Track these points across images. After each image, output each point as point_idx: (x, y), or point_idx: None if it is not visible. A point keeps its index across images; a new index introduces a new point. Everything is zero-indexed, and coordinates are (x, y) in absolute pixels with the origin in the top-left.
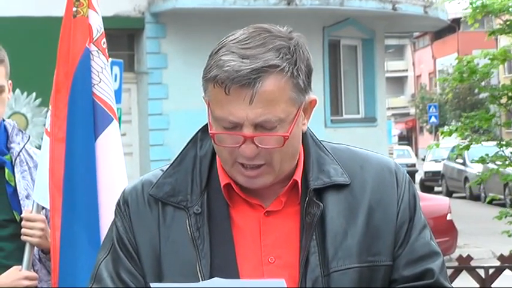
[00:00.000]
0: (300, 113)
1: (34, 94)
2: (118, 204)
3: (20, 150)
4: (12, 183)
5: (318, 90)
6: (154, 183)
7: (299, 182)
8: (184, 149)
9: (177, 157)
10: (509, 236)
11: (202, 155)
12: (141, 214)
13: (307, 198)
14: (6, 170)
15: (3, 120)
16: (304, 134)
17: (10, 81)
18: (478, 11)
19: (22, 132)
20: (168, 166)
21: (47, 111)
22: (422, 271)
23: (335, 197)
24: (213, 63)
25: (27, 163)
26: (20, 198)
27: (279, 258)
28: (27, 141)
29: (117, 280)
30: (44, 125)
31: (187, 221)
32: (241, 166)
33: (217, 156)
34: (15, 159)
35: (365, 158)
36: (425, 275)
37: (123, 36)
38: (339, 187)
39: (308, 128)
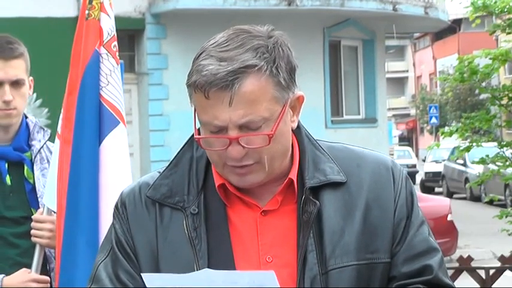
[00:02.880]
0: (286, 110)
1: (35, 95)
2: (116, 206)
3: (41, 147)
4: (31, 181)
5: (319, 91)
6: (151, 185)
7: (295, 180)
8: (180, 150)
9: (174, 159)
10: (509, 234)
11: (199, 156)
12: (139, 216)
13: (304, 197)
14: (26, 167)
15: (26, 117)
16: (299, 134)
17: (31, 78)
18: (479, 10)
19: (43, 129)
20: (164, 168)
21: (48, 111)
22: (420, 267)
23: (331, 195)
24: (194, 69)
25: (48, 161)
26: (38, 195)
27: (277, 258)
28: (48, 138)
29: (116, 281)
30: (45, 125)
31: (184, 222)
32: (231, 166)
33: None
34: (35, 157)
35: (361, 156)
36: (424, 271)
37: (124, 37)
38: (335, 185)
39: (304, 127)
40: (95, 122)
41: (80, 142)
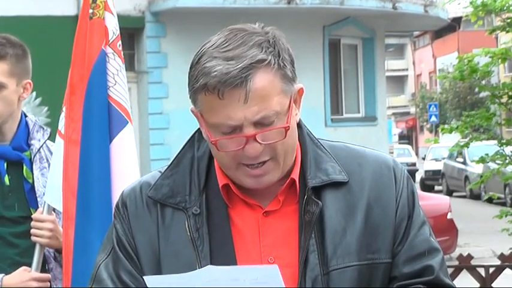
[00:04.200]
0: (292, 103)
1: (34, 93)
2: (117, 206)
3: (40, 147)
4: (30, 180)
5: (318, 89)
6: (152, 185)
7: (297, 180)
8: (181, 150)
9: (175, 158)
10: (509, 234)
11: (200, 156)
12: (140, 216)
13: (306, 197)
14: (24, 167)
15: (26, 116)
16: (301, 132)
17: (29, 81)
18: (479, 9)
19: (43, 128)
20: (166, 167)
21: (47, 110)
22: (422, 268)
23: (333, 195)
24: (198, 73)
25: (47, 160)
26: (37, 195)
27: (279, 258)
28: (48, 137)
29: (117, 281)
30: (45, 124)
31: (186, 222)
32: (246, 167)
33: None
34: (35, 156)
35: (363, 155)
36: (425, 272)
37: (124, 35)
38: (337, 185)
39: (305, 126)
40: (104, 122)
41: (90, 142)
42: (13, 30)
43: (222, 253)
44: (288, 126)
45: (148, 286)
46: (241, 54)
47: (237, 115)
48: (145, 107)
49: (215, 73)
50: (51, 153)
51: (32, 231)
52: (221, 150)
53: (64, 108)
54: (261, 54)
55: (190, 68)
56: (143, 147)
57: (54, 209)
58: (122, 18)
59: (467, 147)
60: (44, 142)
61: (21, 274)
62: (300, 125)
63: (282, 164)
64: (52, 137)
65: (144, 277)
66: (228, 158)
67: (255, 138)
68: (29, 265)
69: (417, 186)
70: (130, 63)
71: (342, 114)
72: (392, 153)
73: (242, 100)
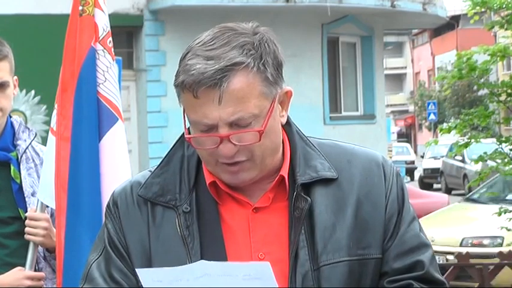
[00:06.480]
0: (275, 106)
1: (33, 92)
2: (108, 206)
3: (27, 147)
4: (18, 180)
5: (317, 88)
6: (142, 184)
7: (286, 177)
8: (171, 149)
9: (165, 157)
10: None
11: (190, 155)
12: (131, 215)
13: (295, 193)
14: (12, 167)
15: (10, 117)
16: (290, 130)
17: (16, 77)
18: (477, 4)
19: (28, 129)
20: (156, 167)
21: (46, 108)
22: (412, 263)
23: (323, 191)
24: (181, 69)
25: (33, 160)
26: (25, 195)
27: (269, 254)
28: (34, 138)
29: (110, 280)
30: (44, 122)
31: (176, 220)
32: (223, 163)
33: None
34: (21, 156)
35: (352, 153)
36: (415, 267)
37: (122, 33)
38: (326, 182)
39: (294, 124)
40: (93, 119)
41: (79, 139)
42: (12, 29)
43: (213, 250)
44: (262, 130)
45: (140, 278)
46: (221, 54)
47: (212, 114)
48: (144, 105)
49: (193, 71)
50: (36, 153)
51: (27, 229)
52: (197, 147)
53: (56, 106)
54: (239, 56)
55: (179, 62)
56: (142, 146)
57: (47, 206)
58: (120, 17)
59: (466, 148)
60: (30, 143)
61: (15, 273)
62: (289, 123)
63: (261, 165)
64: (44, 140)
65: (137, 269)
66: (206, 154)
67: (229, 138)
68: (19, 265)
69: (416, 184)
70: (129, 62)
71: (341, 112)
72: (391, 151)
73: (216, 101)
